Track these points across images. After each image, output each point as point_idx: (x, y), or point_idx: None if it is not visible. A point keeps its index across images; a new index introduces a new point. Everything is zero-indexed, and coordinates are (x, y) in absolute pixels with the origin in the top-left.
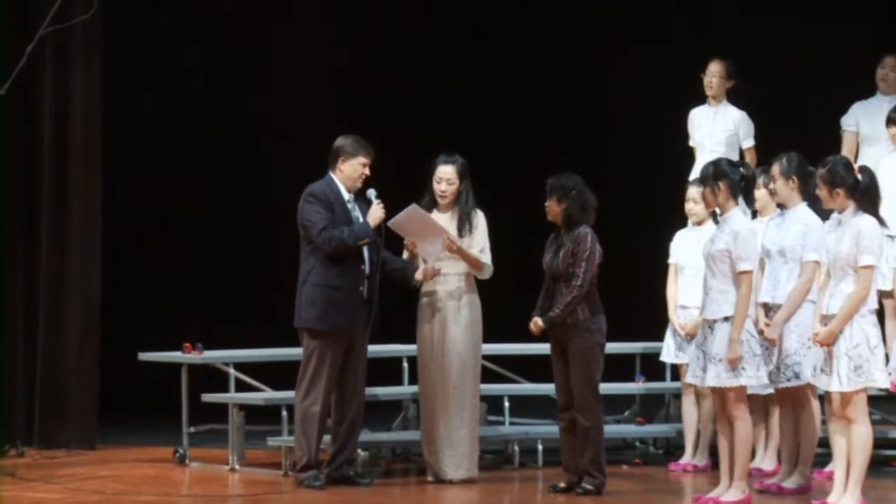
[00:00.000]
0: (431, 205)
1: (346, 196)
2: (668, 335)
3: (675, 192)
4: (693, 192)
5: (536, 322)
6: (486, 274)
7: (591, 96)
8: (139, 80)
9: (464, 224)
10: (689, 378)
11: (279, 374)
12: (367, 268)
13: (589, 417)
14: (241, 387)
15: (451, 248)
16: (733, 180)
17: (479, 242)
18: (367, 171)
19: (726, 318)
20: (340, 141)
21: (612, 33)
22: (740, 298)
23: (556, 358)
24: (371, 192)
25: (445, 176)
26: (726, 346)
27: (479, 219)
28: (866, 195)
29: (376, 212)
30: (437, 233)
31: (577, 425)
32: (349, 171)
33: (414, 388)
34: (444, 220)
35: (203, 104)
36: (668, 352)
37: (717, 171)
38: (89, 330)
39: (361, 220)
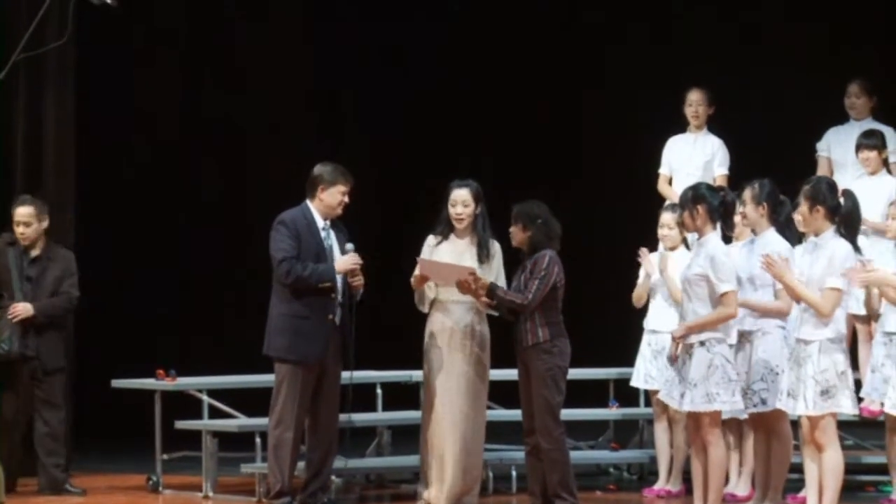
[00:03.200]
0: (447, 231)
1: (321, 223)
2: (639, 360)
3: (647, 217)
4: (667, 217)
5: (484, 283)
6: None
7: (568, 121)
8: (112, 104)
9: (483, 251)
10: (662, 395)
11: (253, 401)
12: (338, 296)
13: (549, 440)
14: (215, 413)
15: (467, 286)
16: (712, 205)
17: (496, 272)
18: (346, 198)
19: (702, 343)
20: (318, 169)
21: (589, 57)
22: (718, 313)
23: (522, 381)
24: (349, 246)
25: (461, 199)
26: (702, 370)
27: (496, 248)
28: (847, 220)
29: (348, 260)
30: (460, 272)
31: (540, 449)
32: (328, 200)
33: (389, 415)
34: (463, 245)
35: (179, 126)
36: (639, 377)
37: (697, 196)
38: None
39: (335, 248)
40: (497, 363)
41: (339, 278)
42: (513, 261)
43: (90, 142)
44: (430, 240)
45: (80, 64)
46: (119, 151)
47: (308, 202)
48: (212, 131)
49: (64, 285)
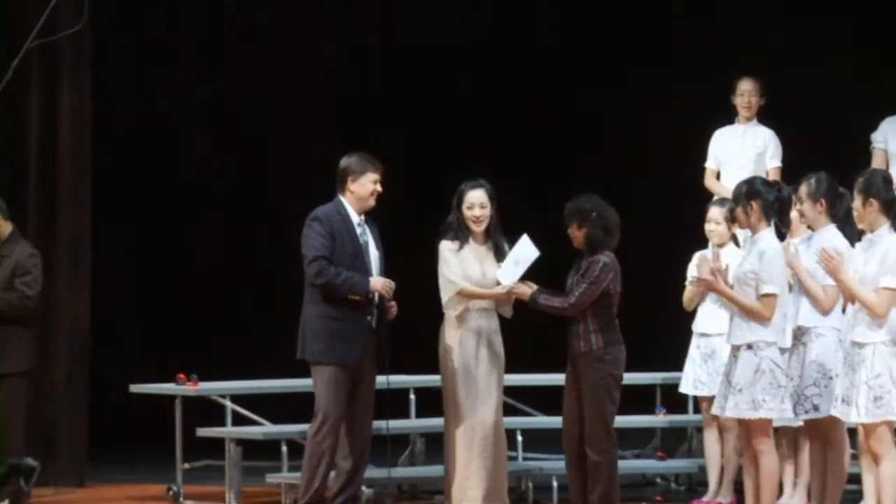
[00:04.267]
0: (464, 237)
1: (356, 219)
2: (688, 365)
3: (693, 213)
4: (715, 212)
5: (521, 290)
6: (511, 313)
7: (610, 113)
8: (130, 93)
9: (500, 254)
10: (713, 409)
11: (278, 407)
12: (376, 295)
13: (599, 452)
14: (239, 420)
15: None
16: (767, 200)
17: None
18: (378, 187)
19: (749, 346)
20: (345, 161)
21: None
22: (754, 307)
23: (569, 388)
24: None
25: (478, 201)
26: (749, 374)
27: (507, 250)
28: None
29: (384, 284)
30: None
31: (586, 460)
32: (360, 191)
33: (422, 422)
34: (482, 252)
35: (200, 121)
36: (688, 382)
37: (751, 190)
38: (78, 360)
39: (371, 245)
40: (537, 368)
41: (375, 273)
42: (557, 259)
43: (106, 136)
44: (449, 245)
45: (96, 53)
46: (137, 145)
47: (340, 197)
48: (232, 124)
49: (16, 283)
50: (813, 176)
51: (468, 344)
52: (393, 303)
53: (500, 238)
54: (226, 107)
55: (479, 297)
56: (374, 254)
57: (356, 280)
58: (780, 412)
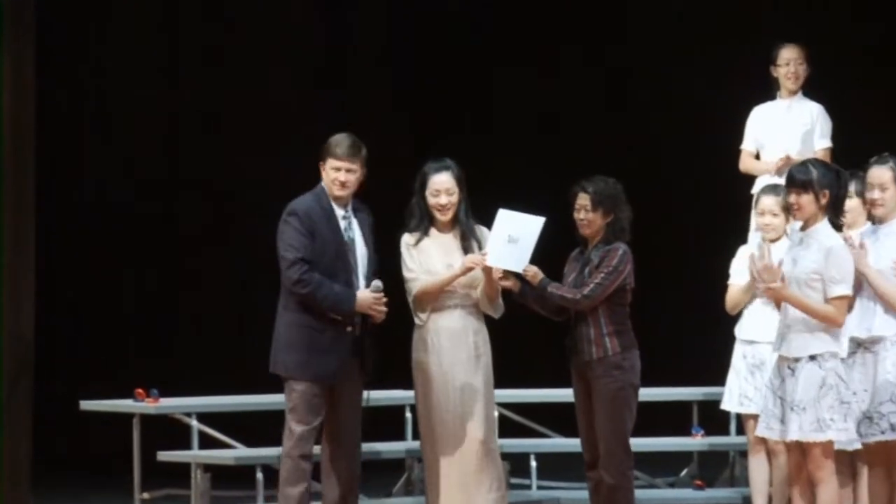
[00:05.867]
0: (426, 225)
1: (340, 212)
2: (732, 377)
3: (728, 201)
4: (769, 202)
5: (534, 272)
6: (500, 311)
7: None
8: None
9: (470, 243)
10: (760, 430)
11: (253, 427)
12: None
13: (614, 474)
14: (207, 442)
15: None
16: (838, 190)
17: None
18: (342, 176)
19: (812, 357)
20: (329, 140)
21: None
22: (827, 311)
23: (579, 403)
24: (376, 284)
25: (444, 186)
26: (813, 391)
27: (485, 234)
28: None
29: (369, 300)
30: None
31: (602, 484)
32: (325, 179)
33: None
34: (447, 242)
35: (158, 104)
36: (731, 398)
37: (824, 178)
38: (20, 373)
39: (358, 241)
40: (549, 382)
41: (360, 280)
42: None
43: (54, 123)
44: (408, 238)
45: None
46: (88, 135)
47: (323, 184)
48: (196, 112)
49: None
50: (890, 157)
51: (443, 351)
52: (382, 310)
53: (469, 224)
54: (182, 87)
55: (439, 285)
56: (361, 252)
57: (340, 298)
58: (847, 433)
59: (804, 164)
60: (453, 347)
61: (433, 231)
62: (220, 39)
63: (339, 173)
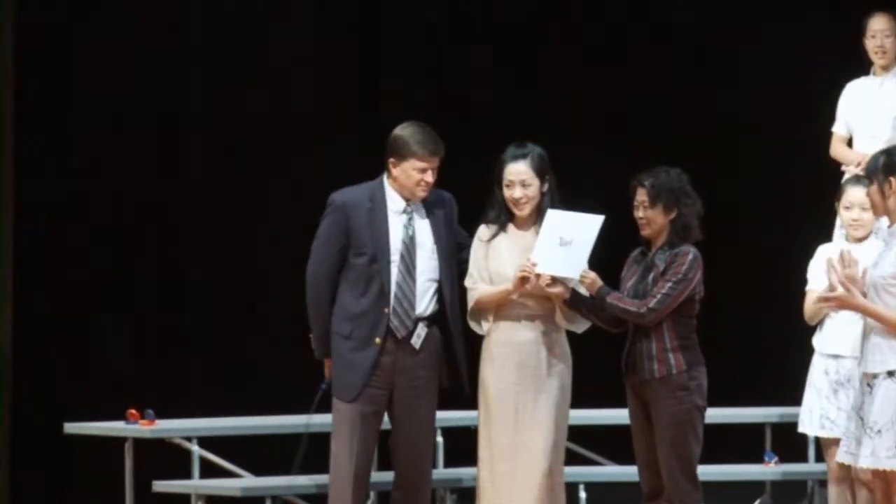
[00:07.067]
0: (504, 219)
1: (400, 206)
2: (811, 396)
3: (807, 194)
4: (857, 194)
5: (592, 279)
6: (583, 325)
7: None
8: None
9: None
10: (841, 455)
11: (261, 453)
12: (390, 305)
13: None
14: (209, 470)
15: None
16: None
17: None
18: (428, 177)
19: (891, 374)
20: (396, 132)
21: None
22: None
23: (637, 427)
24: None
25: (518, 177)
26: (891, 411)
27: None
28: None
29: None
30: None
31: None
32: (402, 180)
33: (453, 472)
34: (525, 241)
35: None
36: (811, 420)
37: (890, 163)
38: None
39: (419, 239)
40: (600, 399)
41: (392, 276)
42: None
43: (31, 118)
44: (482, 232)
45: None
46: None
47: (384, 177)
48: (195, 112)
49: None
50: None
51: (506, 369)
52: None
53: None
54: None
55: (496, 299)
56: (426, 247)
57: (317, 332)
58: None
59: (880, 152)
60: (519, 363)
61: (511, 227)
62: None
63: (425, 174)
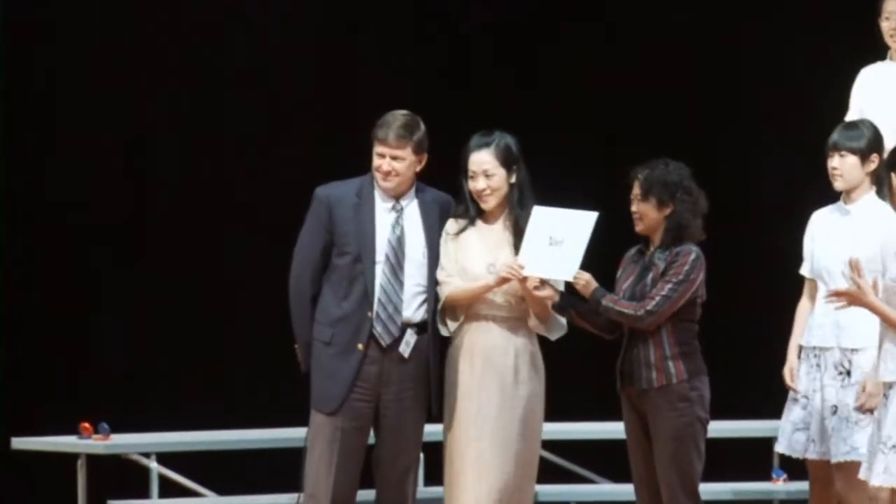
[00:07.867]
0: (474, 215)
1: (386, 204)
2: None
3: (820, 189)
4: None
5: (586, 280)
6: (558, 330)
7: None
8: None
9: (521, 238)
10: (863, 472)
11: (227, 470)
12: (374, 309)
13: None
14: (169, 489)
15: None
16: None
17: None
18: (384, 165)
19: None
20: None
21: None
22: None
23: (634, 440)
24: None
25: (480, 167)
26: None
27: None
28: None
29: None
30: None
31: None
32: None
33: (433, 491)
34: (493, 236)
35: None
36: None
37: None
38: None
39: (415, 233)
40: (592, 412)
41: (377, 280)
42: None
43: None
44: (450, 226)
45: None
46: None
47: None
48: (194, 112)
49: None
50: None
51: (475, 375)
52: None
53: (525, 215)
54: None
55: (470, 296)
56: (416, 251)
57: (302, 343)
58: None
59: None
60: (486, 369)
61: (479, 222)
62: None
63: (382, 160)
